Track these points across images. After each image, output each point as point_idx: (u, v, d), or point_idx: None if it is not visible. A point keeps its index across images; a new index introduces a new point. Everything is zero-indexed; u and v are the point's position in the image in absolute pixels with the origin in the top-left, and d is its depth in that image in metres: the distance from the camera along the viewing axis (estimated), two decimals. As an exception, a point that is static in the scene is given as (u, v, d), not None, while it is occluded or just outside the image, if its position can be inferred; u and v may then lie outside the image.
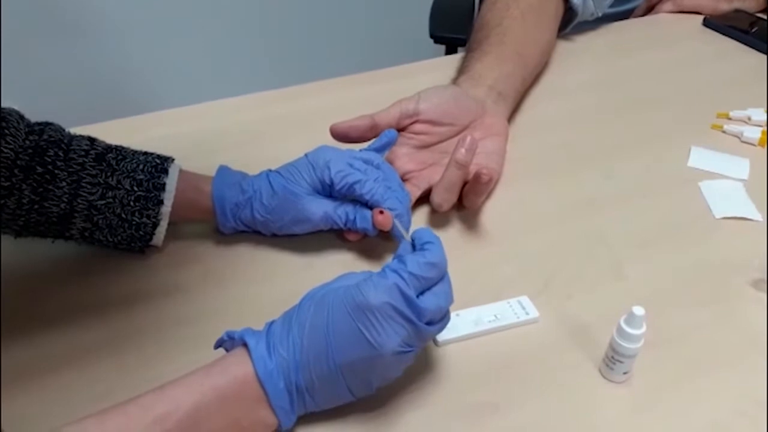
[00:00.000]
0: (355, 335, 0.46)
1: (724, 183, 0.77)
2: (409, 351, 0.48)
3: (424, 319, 0.48)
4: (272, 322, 0.50)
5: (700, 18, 1.14)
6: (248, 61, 2.06)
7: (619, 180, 0.77)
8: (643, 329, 0.52)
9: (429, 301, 0.48)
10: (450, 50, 1.50)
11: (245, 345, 0.48)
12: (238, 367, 0.47)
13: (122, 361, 0.56)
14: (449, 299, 0.50)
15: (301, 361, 0.47)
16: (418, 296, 0.47)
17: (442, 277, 0.50)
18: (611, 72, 1.00)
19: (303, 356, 0.47)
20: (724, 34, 1.11)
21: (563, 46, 1.03)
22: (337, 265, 0.65)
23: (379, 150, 0.68)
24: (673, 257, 0.67)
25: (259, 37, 2.08)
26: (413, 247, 0.52)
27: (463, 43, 1.47)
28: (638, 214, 0.72)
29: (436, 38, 1.50)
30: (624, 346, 0.52)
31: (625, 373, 0.54)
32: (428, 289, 0.49)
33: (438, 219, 0.71)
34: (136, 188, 0.60)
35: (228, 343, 0.50)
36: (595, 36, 1.09)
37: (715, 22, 1.12)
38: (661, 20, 1.16)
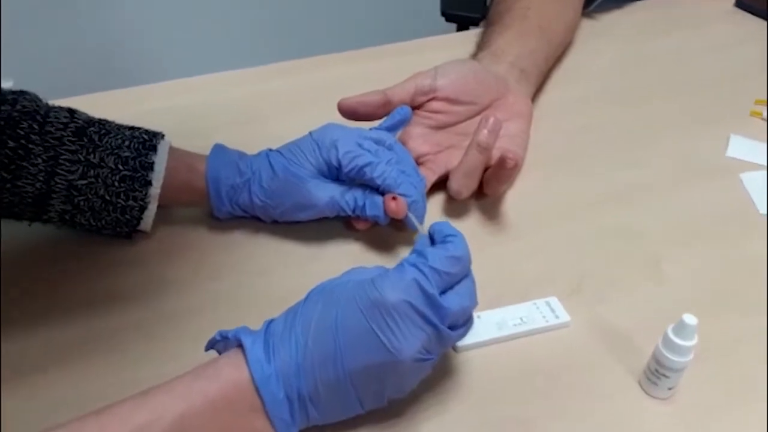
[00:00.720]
0: (369, 337, 0.41)
1: (766, 175, 0.70)
2: (429, 359, 0.43)
3: (446, 321, 0.42)
4: (272, 320, 0.44)
5: (732, -1, 1.07)
6: (249, 32, 1.98)
7: (652, 169, 0.71)
8: (695, 341, 0.45)
9: (452, 301, 0.42)
10: (462, 29, 1.44)
11: (240, 346, 0.42)
12: (232, 370, 0.41)
13: (106, 360, 0.50)
14: (474, 300, 0.45)
15: (305, 366, 0.41)
16: (440, 295, 0.42)
17: (466, 274, 0.45)
18: (638, 53, 0.93)
19: (307, 360, 0.41)
20: (756, 15, 1.04)
21: (587, 26, 0.96)
22: (344, 256, 0.59)
23: (391, 129, 0.62)
24: (716, 256, 0.61)
25: (260, 8, 1.99)
26: (432, 240, 0.46)
27: (476, 22, 1.42)
28: (675, 207, 0.66)
29: (448, 16, 1.45)
30: (671, 359, 0.46)
31: (670, 388, 0.48)
32: (451, 287, 0.43)
33: (455, 207, 0.65)
34: (121, 167, 0.54)
35: (221, 344, 0.44)
36: (621, 15, 1.02)
37: (748, 3, 1.06)
38: (691, 0, 1.09)
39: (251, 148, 0.60)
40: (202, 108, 0.77)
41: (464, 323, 0.45)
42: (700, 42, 0.96)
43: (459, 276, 0.44)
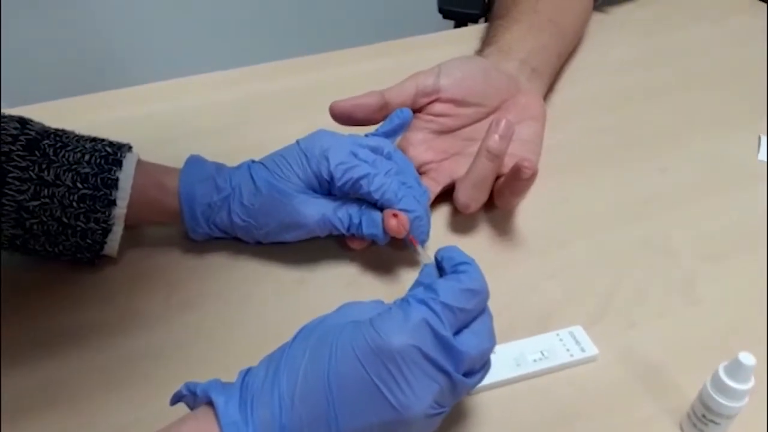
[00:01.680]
0: (369, 392, 0.34)
1: (803, 180, 0.64)
2: (441, 412, 0.36)
3: (462, 367, 0.36)
4: (249, 370, 0.37)
5: (749, -11, 1.01)
6: (235, 31, 1.90)
7: (677, 174, 0.64)
8: (752, 383, 0.39)
9: (469, 343, 0.36)
10: (460, 26, 1.39)
11: (211, 403, 0.35)
12: None
13: (60, 411, 0.43)
14: (493, 339, 0.38)
15: (291, 429, 0.34)
16: (454, 336, 0.35)
17: (483, 309, 0.38)
18: (655, 48, 0.87)
19: (294, 421, 0.34)
20: (776, 6, 0.98)
21: (598, 19, 0.90)
22: (337, 280, 0.53)
23: (390, 135, 0.56)
24: (753, 273, 0.54)
25: (250, 6, 1.92)
26: (440, 268, 0.40)
27: (475, 19, 1.36)
28: (705, 217, 0.60)
29: (445, 12, 1.39)
30: (723, 404, 0.39)
31: (719, 435, 0.41)
32: (466, 326, 0.37)
33: (462, 222, 0.58)
34: (80, 185, 0.47)
35: (189, 398, 0.37)
36: (634, 8, 0.96)
37: (766, -6, 0.99)
38: (706, -9, 1.03)
39: (236, 158, 0.54)
40: (182, 114, 0.71)
41: (481, 367, 0.38)
42: (718, 35, 0.90)
43: (475, 312, 0.37)
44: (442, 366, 0.35)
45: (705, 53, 0.85)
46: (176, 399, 0.38)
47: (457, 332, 0.36)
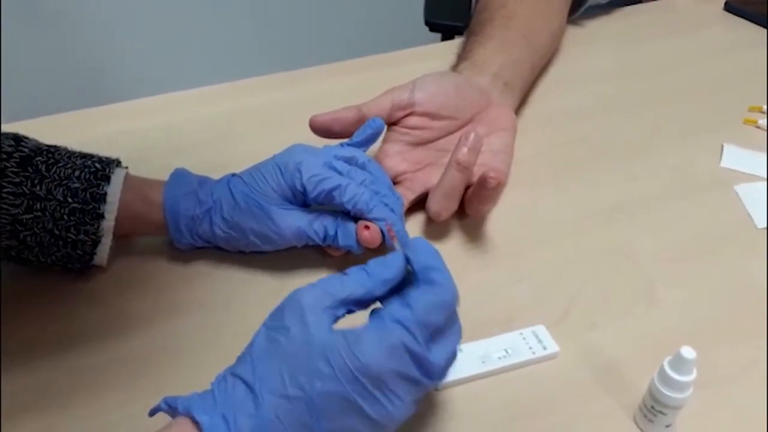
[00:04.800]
0: (351, 408, 0.36)
1: (764, 186, 0.67)
2: (413, 409, 0.39)
3: (435, 376, 0.38)
4: (221, 382, 0.38)
5: (720, 2, 1.04)
6: (223, 46, 1.93)
7: (643, 183, 0.67)
8: (693, 375, 0.41)
9: (441, 353, 0.38)
10: (446, 39, 1.41)
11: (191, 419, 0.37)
12: None
13: (51, 414, 0.45)
14: (459, 336, 0.41)
15: None
16: (427, 344, 0.38)
17: (453, 316, 0.40)
18: (627, 61, 0.90)
19: None
20: (747, 18, 1.01)
21: (573, 33, 0.93)
22: (316, 286, 0.55)
23: (363, 144, 0.58)
24: (713, 276, 0.57)
25: (236, 21, 1.95)
26: (408, 263, 0.41)
27: (461, 31, 1.38)
28: (669, 223, 0.63)
29: (432, 25, 1.41)
30: (668, 396, 0.42)
31: (667, 426, 0.44)
32: (438, 331, 0.39)
33: (435, 229, 0.61)
34: (70, 199, 0.50)
35: (169, 411, 0.38)
36: (608, 21, 0.99)
37: (738, 7, 1.02)
38: (679, 4, 1.06)
39: (223, 171, 0.56)
40: (171, 128, 0.73)
41: (449, 366, 0.40)
42: (689, 47, 0.93)
43: (446, 321, 0.39)
44: (419, 380, 0.37)
45: (676, 66, 0.88)
46: (155, 412, 0.39)
47: (431, 339, 0.38)
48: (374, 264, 0.40)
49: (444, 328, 0.39)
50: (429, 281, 0.39)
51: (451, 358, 0.39)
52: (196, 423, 0.36)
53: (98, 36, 1.82)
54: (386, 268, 0.40)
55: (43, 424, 0.45)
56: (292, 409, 0.36)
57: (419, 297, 0.38)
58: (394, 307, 0.38)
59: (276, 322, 0.38)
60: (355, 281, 0.39)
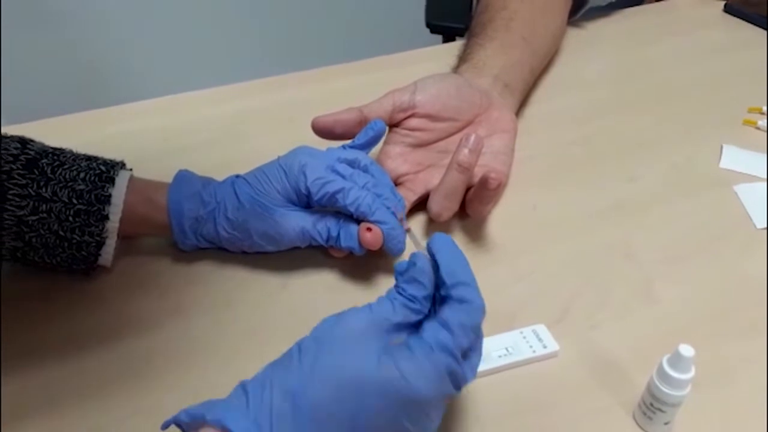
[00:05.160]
0: (397, 428, 0.37)
1: (763, 187, 0.67)
2: None
3: (462, 388, 0.39)
4: (255, 389, 0.36)
5: (720, 4, 1.05)
6: (227, 49, 1.94)
7: (643, 183, 0.68)
8: (692, 373, 0.42)
9: (472, 368, 0.40)
10: (448, 41, 1.42)
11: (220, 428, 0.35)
12: None
13: (62, 412, 0.46)
14: (482, 347, 0.42)
15: None
16: None
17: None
18: (627, 62, 0.90)
19: None
20: (746, 20, 1.02)
21: (573, 34, 0.94)
22: (318, 286, 0.56)
23: (365, 146, 0.59)
24: (711, 275, 0.58)
25: (239, 23, 1.96)
26: (436, 267, 0.41)
27: (462, 33, 1.39)
28: (668, 223, 0.63)
29: (433, 27, 1.42)
30: (667, 393, 0.42)
31: (666, 423, 0.44)
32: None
33: (436, 230, 0.61)
34: (75, 201, 0.51)
35: (189, 424, 0.37)
36: (608, 23, 0.99)
37: (737, 8, 1.03)
38: (679, 6, 1.07)
39: (227, 172, 0.57)
40: (176, 129, 0.74)
41: None
42: (689, 49, 0.94)
43: (477, 339, 0.40)
44: (453, 395, 0.39)
45: (676, 67, 0.89)
46: (169, 424, 0.37)
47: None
48: (409, 287, 0.40)
49: (474, 344, 0.40)
50: (461, 299, 0.39)
51: (476, 368, 0.40)
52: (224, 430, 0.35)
53: (101, 38, 1.84)
54: (421, 285, 0.40)
55: (48, 423, 0.45)
56: (337, 428, 0.36)
57: (454, 317, 0.38)
58: (434, 329, 0.38)
59: (325, 337, 0.38)
60: (404, 306, 0.40)
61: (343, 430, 0.36)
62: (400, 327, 0.39)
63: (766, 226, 0.62)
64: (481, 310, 0.40)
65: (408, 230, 0.52)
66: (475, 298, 0.39)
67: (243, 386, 0.37)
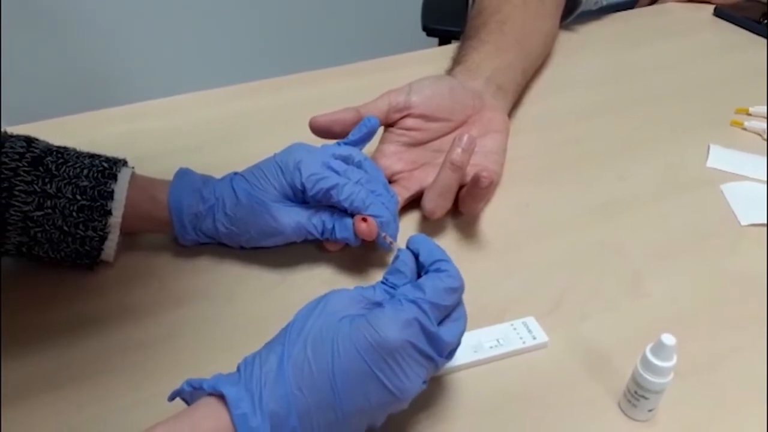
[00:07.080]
0: (370, 381, 0.39)
1: (748, 185, 0.69)
2: (424, 388, 0.42)
3: (444, 353, 0.41)
4: (250, 361, 0.40)
5: (710, 8, 1.07)
6: (227, 51, 1.96)
7: (633, 182, 0.69)
8: (674, 361, 0.43)
9: (450, 332, 0.42)
10: (444, 44, 1.43)
11: (216, 395, 0.38)
12: (211, 422, 0.37)
13: (63, 397, 0.47)
14: (466, 320, 0.44)
15: (301, 413, 0.38)
16: (438, 326, 0.41)
17: (460, 300, 0.44)
18: (618, 65, 0.92)
19: (301, 407, 0.38)
20: (736, 24, 1.04)
21: (566, 37, 0.96)
22: (314, 279, 0.57)
23: (358, 143, 0.60)
24: (698, 270, 0.59)
25: (239, 26, 1.98)
26: (417, 259, 0.45)
27: (458, 36, 1.39)
28: (656, 220, 0.65)
29: (429, 30, 1.44)
30: (650, 381, 0.44)
31: (650, 410, 0.46)
32: (447, 315, 0.42)
33: (430, 227, 0.63)
34: (79, 197, 0.52)
35: (189, 393, 0.40)
36: (600, 27, 1.01)
37: (727, 12, 1.05)
38: (669, 10, 1.09)
39: (223, 168, 0.58)
40: (177, 129, 0.76)
41: (457, 346, 0.43)
42: (679, 52, 0.96)
43: (454, 305, 0.42)
44: (431, 355, 0.40)
45: (665, 69, 0.90)
46: (175, 395, 0.41)
47: (439, 323, 0.41)
48: (392, 276, 0.44)
49: (452, 311, 0.42)
50: (437, 270, 0.43)
51: (459, 338, 0.42)
52: (222, 399, 0.38)
53: (102, 40, 1.85)
54: (402, 275, 0.44)
55: (49, 411, 0.47)
56: (314, 382, 0.38)
57: (430, 283, 0.41)
58: (408, 289, 0.42)
59: (309, 312, 0.41)
60: (384, 291, 0.43)
61: (323, 388, 0.38)
62: (378, 306, 0.41)
63: (749, 223, 0.64)
64: (457, 278, 0.42)
65: (391, 243, 0.54)
66: (450, 269, 0.43)
67: (239, 364, 0.40)
